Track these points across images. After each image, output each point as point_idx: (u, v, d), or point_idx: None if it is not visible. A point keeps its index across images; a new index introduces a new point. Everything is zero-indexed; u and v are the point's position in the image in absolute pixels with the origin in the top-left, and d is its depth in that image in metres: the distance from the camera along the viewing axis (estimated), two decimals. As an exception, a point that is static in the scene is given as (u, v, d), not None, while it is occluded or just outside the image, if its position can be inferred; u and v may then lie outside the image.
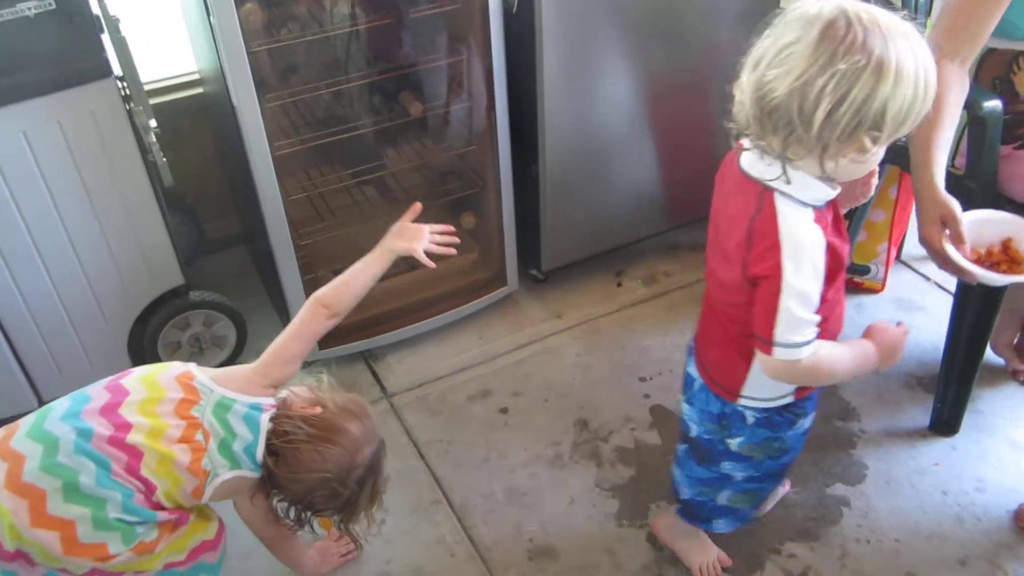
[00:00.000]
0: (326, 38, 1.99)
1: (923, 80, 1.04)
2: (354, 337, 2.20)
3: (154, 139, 1.79)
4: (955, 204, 1.47)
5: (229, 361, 2.19)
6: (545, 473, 1.93)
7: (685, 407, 1.52)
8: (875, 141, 1.07)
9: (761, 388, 1.37)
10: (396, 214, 2.23)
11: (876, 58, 1.00)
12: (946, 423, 1.98)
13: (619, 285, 2.45)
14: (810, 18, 1.04)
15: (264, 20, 1.86)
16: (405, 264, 2.29)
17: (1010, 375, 2.12)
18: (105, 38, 1.68)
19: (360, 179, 2.18)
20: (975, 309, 1.83)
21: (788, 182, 1.13)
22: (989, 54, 1.71)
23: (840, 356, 1.26)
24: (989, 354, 2.11)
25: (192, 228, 2.35)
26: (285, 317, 2.13)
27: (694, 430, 1.48)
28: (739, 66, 1.13)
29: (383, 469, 1.47)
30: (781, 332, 1.17)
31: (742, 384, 1.37)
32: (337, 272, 2.18)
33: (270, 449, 1.37)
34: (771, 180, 1.14)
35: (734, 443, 1.44)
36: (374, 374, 2.21)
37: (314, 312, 1.49)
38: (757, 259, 1.16)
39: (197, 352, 2.15)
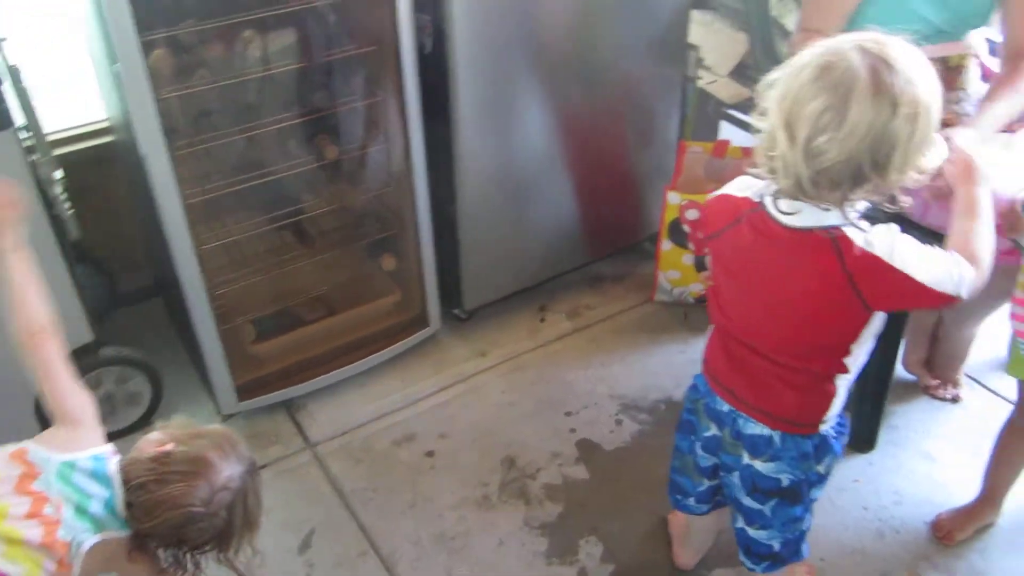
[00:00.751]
0: (239, 83, 1.98)
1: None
2: (274, 387, 2.15)
3: (59, 191, 1.73)
4: None
5: (145, 418, 2.12)
6: (473, 515, 1.91)
7: (765, 466, 1.40)
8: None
9: (837, 405, 1.37)
10: (312, 258, 2.23)
11: (921, 92, 1.08)
12: (863, 440, 2.04)
13: (542, 320, 2.47)
14: (846, 71, 1.07)
15: (174, 66, 1.84)
16: (325, 309, 2.28)
17: (922, 390, 2.20)
18: (6, 88, 1.64)
19: (277, 224, 2.15)
20: (884, 325, 1.89)
21: (847, 217, 1.17)
22: None
23: (970, 236, 1.26)
24: (902, 371, 2.21)
25: (103, 281, 2.28)
26: (203, 370, 2.07)
27: (785, 481, 1.41)
28: (763, 134, 1.15)
29: (254, 490, 1.37)
30: (952, 286, 1.19)
31: (827, 411, 1.36)
32: (256, 320, 2.17)
33: (128, 500, 1.30)
34: (834, 224, 1.17)
35: (822, 467, 1.42)
36: (296, 424, 2.16)
37: (33, 347, 1.32)
38: (879, 290, 1.18)
39: (110, 412, 2.06)
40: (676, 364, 2.29)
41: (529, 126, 2.16)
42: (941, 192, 1.46)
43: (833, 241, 1.17)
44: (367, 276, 2.33)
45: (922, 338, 2.15)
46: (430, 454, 2.07)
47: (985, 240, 1.26)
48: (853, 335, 1.27)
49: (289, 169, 2.08)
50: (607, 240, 2.50)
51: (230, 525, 1.33)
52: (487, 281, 2.35)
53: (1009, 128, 1.83)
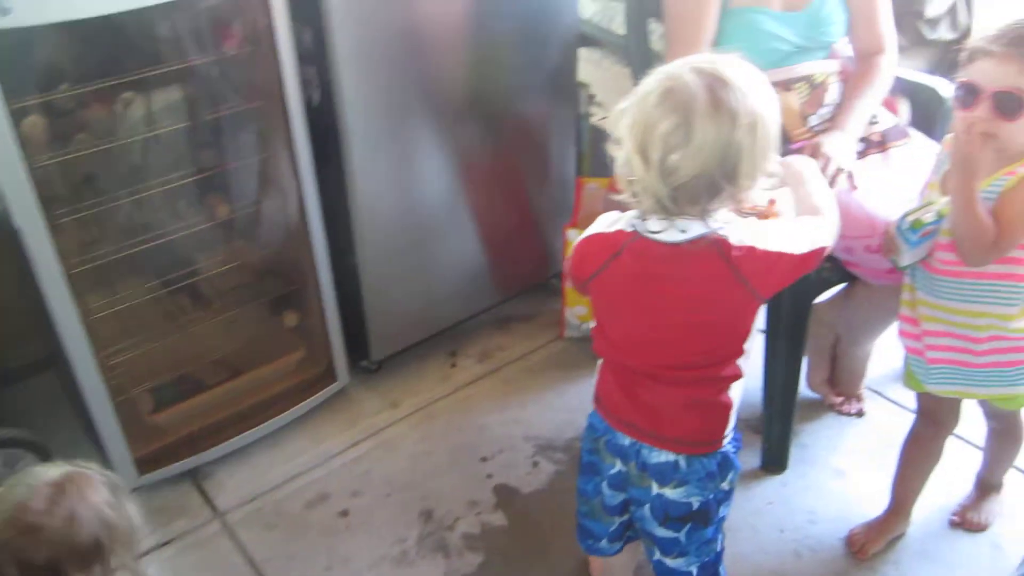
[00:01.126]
0: (122, 145, 1.92)
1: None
2: (177, 456, 2.06)
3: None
4: None
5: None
6: (392, 573, 1.86)
7: (675, 492, 1.40)
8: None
9: (734, 417, 1.40)
10: (211, 320, 2.16)
11: (756, 103, 1.17)
12: (775, 461, 2.07)
13: (453, 366, 2.44)
14: (685, 92, 1.15)
15: (50, 132, 1.78)
16: (228, 371, 2.21)
17: (828, 407, 2.24)
18: None
19: (172, 288, 2.08)
20: (784, 347, 1.94)
21: (716, 222, 1.23)
22: None
23: (807, 199, 1.37)
24: (806, 390, 2.25)
25: (-16, 360, 2.16)
26: (98, 446, 1.97)
27: (695, 504, 1.41)
28: (620, 162, 1.22)
29: (120, 539, 1.19)
30: (816, 241, 1.29)
31: (727, 425, 1.39)
32: (154, 389, 2.09)
33: None
34: (707, 232, 1.23)
35: (726, 484, 1.43)
36: (202, 493, 2.08)
37: None
38: (764, 276, 1.26)
39: (0, 495, 1.95)
40: (589, 400, 2.25)
41: (426, 172, 2.15)
42: None
43: (714, 245, 1.23)
44: (270, 334, 2.27)
45: (822, 357, 2.20)
46: (344, 513, 2.01)
47: (821, 194, 1.38)
48: (747, 331, 1.33)
49: (180, 230, 2.02)
50: (513, 280, 2.50)
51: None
52: (394, 330, 2.32)
53: (881, 148, 1.91)
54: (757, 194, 1.24)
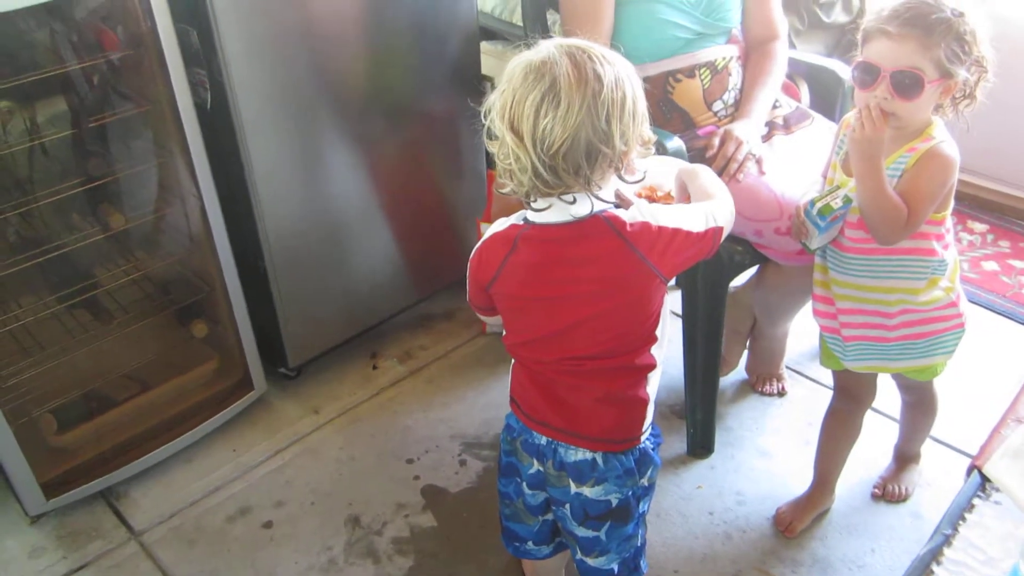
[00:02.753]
0: (4, 156, 1.81)
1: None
2: (88, 477, 1.97)
3: None
4: None
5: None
6: (320, 583, 1.82)
7: (593, 491, 1.38)
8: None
9: (651, 413, 1.39)
10: (115, 334, 2.07)
11: (617, 67, 1.19)
12: (701, 445, 2.07)
13: (375, 367, 2.39)
14: (549, 63, 1.16)
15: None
16: (137, 385, 2.13)
17: (750, 387, 2.25)
18: None
19: (69, 303, 1.98)
20: (702, 332, 1.94)
21: (604, 200, 1.23)
22: (645, 83, 1.89)
23: (701, 187, 1.38)
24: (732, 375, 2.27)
25: None
26: (1, 472, 1.88)
27: (614, 501, 1.39)
28: (498, 153, 1.21)
29: None
30: (713, 221, 1.30)
31: (644, 420, 1.37)
32: (58, 409, 1.99)
33: None
34: (592, 213, 1.22)
35: (645, 480, 1.42)
36: (117, 513, 1.99)
37: None
38: (662, 252, 1.25)
39: None
40: (502, 389, 2.27)
41: (333, 171, 2.08)
42: None
43: (606, 221, 1.22)
44: (180, 345, 2.19)
45: (739, 340, 2.22)
46: (268, 525, 1.95)
47: (712, 182, 1.39)
48: (654, 314, 1.32)
49: (73, 243, 1.92)
50: (431, 278, 2.46)
51: None
52: (311, 334, 2.26)
53: (785, 130, 1.93)
54: (638, 161, 1.25)
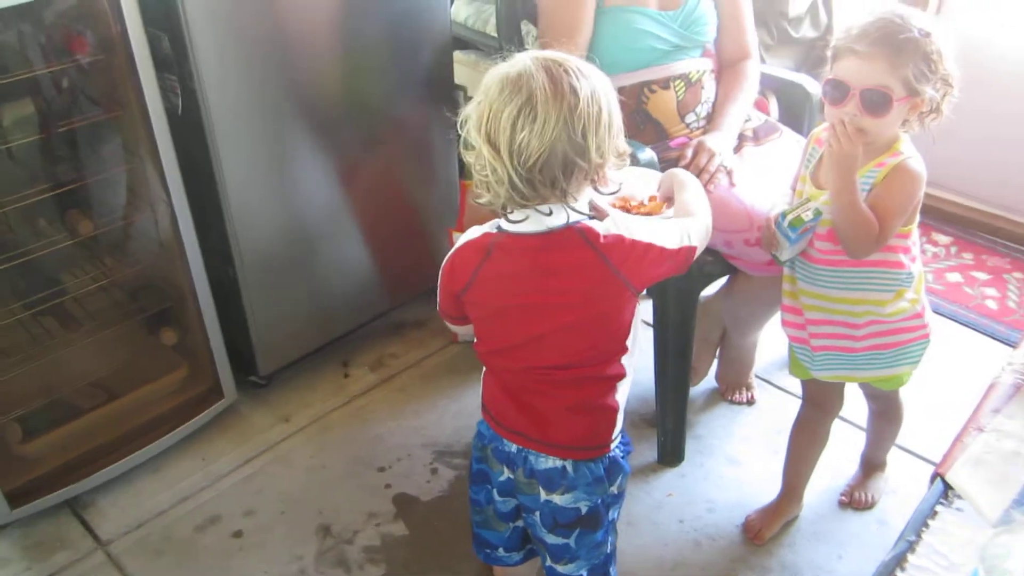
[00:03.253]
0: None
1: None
2: (54, 486, 1.94)
3: None
4: None
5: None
6: (290, 593, 1.81)
7: (562, 499, 1.38)
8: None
9: (620, 421, 1.39)
10: (82, 342, 2.05)
11: (594, 80, 1.19)
12: (671, 453, 2.08)
13: (347, 375, 2.38)
14: (525, 77, 1.16)
15: None
16: (105, 394, 2.10)
17: (719, 396, 2.27)
18: None
19: (35, 310, 1.96)
20: (672, 341, 1.96)
21: (579, 212, 1.23)
22: (620, 92, 1.91)
23: (684, 204, 1.39)
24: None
25: None
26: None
27: (584, 508, 1.39)
28: (474, 164, 1.21)
29: None
30: (687, 239, 1.31)
31: (614, 428, 1.37)
32: (22, 419, 1.97)
33: None
34: (567, 223, 1.22)
35: (615, 488, 1.41)
36: (83, 523, 1.96)
37: None
38: (635, 265, 1.25)
39: None
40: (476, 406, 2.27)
41: (304, 178, 2.08)
42: None
43: (580, 233, 1.23)
44: (148, 353, 2.17)
45: (708, 349, 2.24)
46: (237, 534, 1.93)
47: (697, 199, 1.40)
48: (626, 326, 1.33)
49: (40, 250, 1.90)
50: (403, 286, 2.46)
51: None
52: (282, 342, 2.24)
53: (755, 142, 1.95)
54: (612, 173, 1.25)
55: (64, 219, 1.94)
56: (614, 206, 1.61)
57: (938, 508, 1.14)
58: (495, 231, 1.28)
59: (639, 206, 1.57)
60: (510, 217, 1.24)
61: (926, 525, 1.12)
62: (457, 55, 2.42)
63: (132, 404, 2.09)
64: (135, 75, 1.71)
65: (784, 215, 1.53)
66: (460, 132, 1.22)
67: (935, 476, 1.20)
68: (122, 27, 1.67)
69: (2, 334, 1.94)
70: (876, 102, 1.41)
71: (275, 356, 2.26)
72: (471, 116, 1.20)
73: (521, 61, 1.18)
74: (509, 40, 2.07)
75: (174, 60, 1.78)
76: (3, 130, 1.80)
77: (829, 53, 1.48)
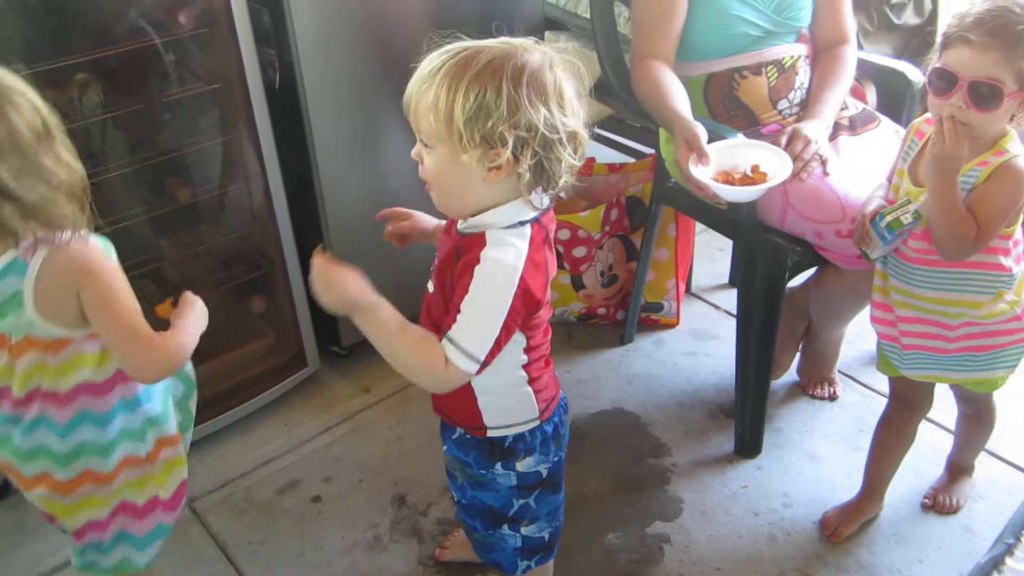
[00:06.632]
0: (77, 129, 1.86)
1: None
2: (145, 444, 2.03)
3: None
4: (699, 127, 1.65)
5: (0, 492, 1.97)
6: (365, 559, 1.85)
7: None
8: None
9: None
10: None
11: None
12: (749, 445, 2.06)
13: (426, 350, 2.41)
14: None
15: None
16: (195, 357, 2.17)
17: (801, 390, 2.23)
18: None
19: (135, 273, 2.03)
20: (756, 331, 1.93)
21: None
22: (711, 78, 1.88)
23: None
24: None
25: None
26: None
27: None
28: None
29: None
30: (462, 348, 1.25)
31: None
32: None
33: None
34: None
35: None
36: (172, 480, 2.05)
37: None
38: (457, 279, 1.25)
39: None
40: (563, 383, 2.26)
41: (392, 154, 2.10)
42: None
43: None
44: (237, 320, 2.23)
45: (792, 342, 2.19)
46: (316, 499, 1.99)
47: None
48: None
49: (142, 215, 1.97)
50: (485, 263, 2.47)
51: None
52: (365, 314, 2.28)
53: (851, 132, 1.90)
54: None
55: (164, 186, 2.00)
56: (716, 179, 1.61)
57: (1038, 513, 1.11)
58: (527, 219, 1.21)
59: (742, 177, 1.59)
60: (533, 200, 1.20)
61: (1027, 528, 1.09)
62: (548, 36, 2.41)
63: (221, 368, 2.16)
64: (236, 48, 1.76)
65: (883, 215, 1.48)
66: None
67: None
68: (226, 1, 1.71)
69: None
70: (985, 95, 1.35)
71: (357, 328, 2.29)
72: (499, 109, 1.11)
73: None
74: (602, 22, 2.05)
75: (273, 35, 1.82)
76: (109, 99, 1.86)
77: (938, 40, 1.42)
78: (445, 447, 1.50)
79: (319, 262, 1.20)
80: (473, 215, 1.21)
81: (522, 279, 1.17)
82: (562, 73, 1.17)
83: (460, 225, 1.25)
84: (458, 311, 1.18)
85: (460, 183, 1.19)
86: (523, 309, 1.20)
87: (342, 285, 1.21)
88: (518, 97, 1.10)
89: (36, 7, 1.64)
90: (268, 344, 2.23)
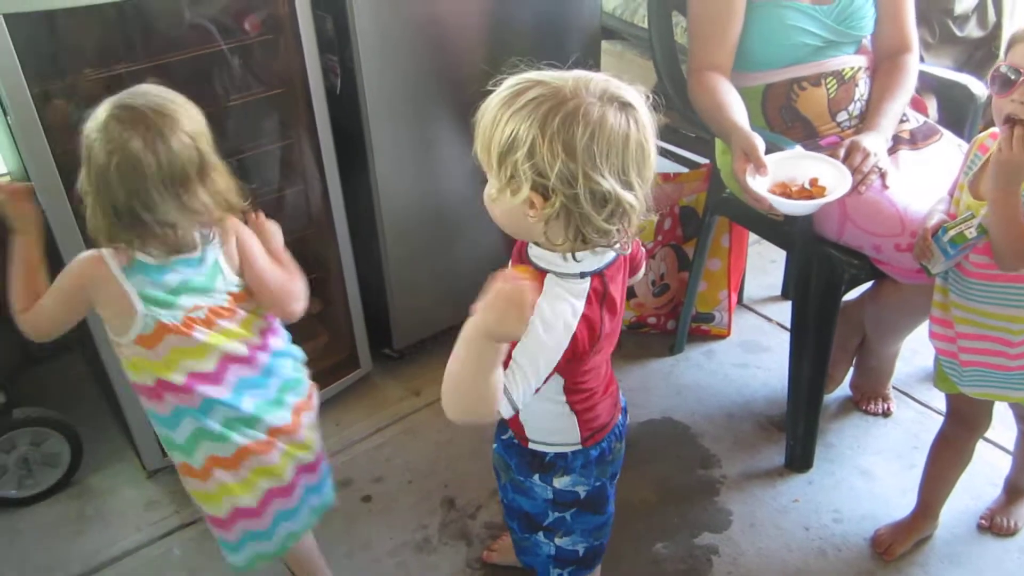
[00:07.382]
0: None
1: None
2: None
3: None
4: (757, 138, 1.63)
5: (65, 479, 2.03)
6: (413, 560, 1.87)
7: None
8: None
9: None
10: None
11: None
12: (800, 459, 2.04)
13: (476, 355, 2.43)
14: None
15: (74, 117, 1.77)
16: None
17: (854, 405, 2.20)
18: None
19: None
20: (810, 344, 1.91)
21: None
22: (769, 89, 1.86)
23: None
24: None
25: (11, 340, 2.18)
26: (123, 426, 2.00)
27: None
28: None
29: None
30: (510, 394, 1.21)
31: None
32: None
33: None
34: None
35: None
36: (227, 475, 2.09)
37: None
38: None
39: (27, 475, 1.98)
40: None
41: (448, 162, 2.13)
42: None
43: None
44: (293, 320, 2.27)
45: (846, 356, 2.17)
46: (366, 499, 2.02)
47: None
48: None
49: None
50: (537, 270, 2.48)
51: None
52: (417, 318, 2.32)
53: (911, 146, 1.87)
54: None
55: (226, 188, 2.04)
56: (773, 191, 1.60)
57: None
58: (587, 271, 1.17)
59: (800, 190, 1.59)
60: (579, 256, 1.16)
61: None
62: (604, 45, 2.42)
63: (275, 367, 2.20)
64: (300, 54, 1.80)
65: (945, 229, 1.46)
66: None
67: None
68: (291, 8, 1.75)
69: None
70: None
71: (409, 332, 2.33)
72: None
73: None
74: (659, 31, 2.05)
75: (336, 41, 1.86)
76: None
77: (1004, 43, 1.39)
78: (495, 445, 1.50)
79: (527, 285, 1.07)
80: (534, 243, 1.19)
81: (573, 338, 1.15)
82: (619, 123, 1.10)
83: (529, 251, 1.22)
84: (511, 359, 1.15)
85: (508, 212, 1.15)
86: (563, 362, 1.16)
87: (521, 313, 1.08)
88: (541, 140, 1.07)
89: (105, 13, 1.69)
90: (322, 345, 2.27)
